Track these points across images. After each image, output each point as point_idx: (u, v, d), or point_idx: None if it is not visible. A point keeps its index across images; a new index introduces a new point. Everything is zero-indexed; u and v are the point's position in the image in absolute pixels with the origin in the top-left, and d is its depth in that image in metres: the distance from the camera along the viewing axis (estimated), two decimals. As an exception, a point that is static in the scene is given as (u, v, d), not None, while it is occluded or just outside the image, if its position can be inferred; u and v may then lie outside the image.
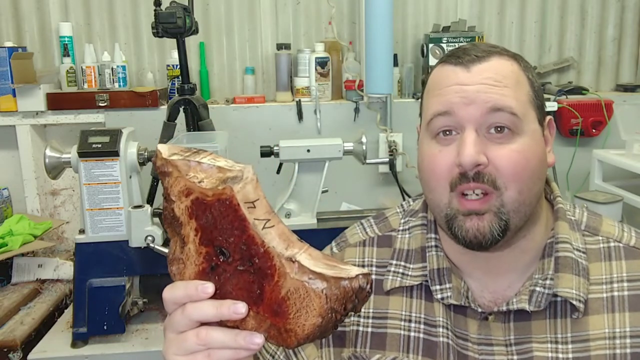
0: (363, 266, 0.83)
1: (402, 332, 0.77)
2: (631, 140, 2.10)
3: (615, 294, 0.73)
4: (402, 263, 0.81)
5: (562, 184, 2.35)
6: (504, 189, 0.69)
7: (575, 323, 0.72)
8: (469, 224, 0.70)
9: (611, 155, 2.12)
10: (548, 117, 0.78)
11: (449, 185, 0.71)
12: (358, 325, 0.80)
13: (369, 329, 0.79)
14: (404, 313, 0.78)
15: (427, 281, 0.77)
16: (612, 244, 0.76)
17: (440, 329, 0.75)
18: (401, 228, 0.85)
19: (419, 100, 0.80)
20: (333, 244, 0.90)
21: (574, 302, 0.71)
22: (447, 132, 0.72)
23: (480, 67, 0.72)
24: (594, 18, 2.52)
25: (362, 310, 0.78)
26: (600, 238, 0.77)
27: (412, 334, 0.77)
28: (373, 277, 0.80)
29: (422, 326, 0.77)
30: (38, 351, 1.46)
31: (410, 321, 0.77)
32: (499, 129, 0.70)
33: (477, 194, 0.70)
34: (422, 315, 0.77)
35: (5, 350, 1.50)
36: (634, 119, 2.14)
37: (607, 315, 0.72)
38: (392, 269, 0.81)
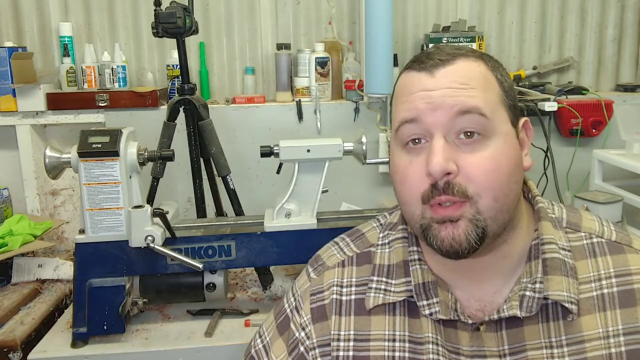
0: (342, 287, 0.80)
1: (386, 353, 0.75)
2: (631, 140, 2.10)
3: (605, 291, 0.72)
4: (384, 279, 0.78)
5: (562, 184, 2.35)
6: (478, 198, 0.67)
7: (568, 325, 0.71)
8: (444, 232, 0.68)
9: (611, 155, 2.12)
10: (523, 119, 0.76)
11: (420, 197, 0.70)
12: (338, 350, 0.77)
13: (350, 353, 0.76)
14: (387, 333, 0.75)
15: (411, 297, 0.75)
16: (595, 240, 0.75)
17: (430, 346, 0.73)
18: (380, 242, 0.82)
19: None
20: (310, 268, 0.86)
21: (567, 305, 0.70)
22: (417, 141, 0.71)
23: (445, 70, 0.71)
24: (594, 18, 2.52)
25: (342, 332, 0.77)
26: (583, 234, 0.76)
27: (397, 354, 0.74)
28: (353, 297, 0.78)
29: (407, 345, 0.74)
30: (38, 351, 1.46)
31: (394, 340, 0.75)
32: (468, 134, 0.68)
33: (448, 204, 0.68)
34: (407, 334, 0.75)
35: (5, 350, 1.50)
36: (634, 119, 2.14)
37: (599, 315, 0.71)
38: (374, 285, 0.78)
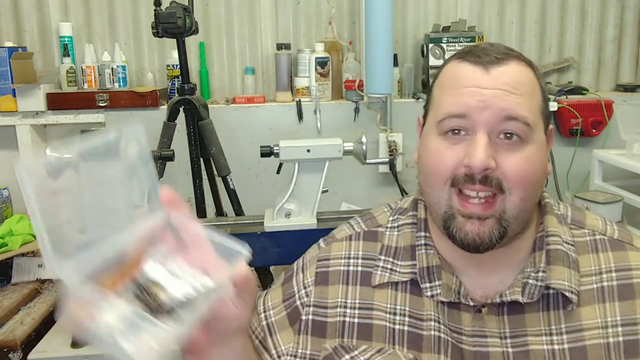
0: (349, 258, 0.84)
1: (387, 324, 0.78)
2: (631, 140, 2.10)
3: (605, 284, 0.74)
4: (390, 259, 0.81)
5: (562, 184, 2.35)
6: (509, 194, 0.70)
7: (568, 314, 0.73)
8: (470, 227, 0.70)
9: (611, 155, 2.12)
10: (550, 127, 0.78)
11: (450, 181, 0.71)
12: (344, 316, 0.80)
13: (355, 320, 0.79)
14: (389, 306, 0.78)
15: (415, 278, 0.78)
16: (597, 237, 0.78)
17: (432, 323, 0.75)
18: (389, 225, 0.85)
19: (425, 95, 0.80)
20: (321, 240, 0.91)
21: (567, 294, 0.72)
22: (456, 131, 0.72)
23: (500, 70, 0.71)
24: (594, 18, 2.52)
25: (349, 300, 0.80)
26: (587, 231, 0.78)
27: (397, 326, 0.77)
28: (360, 269, 0.82)
29: (406, 319, 0.77)
30: (38, 351, 1.46)
31: (395, 314, 0.78)
32: (508, 135, 0.70)
33: (479, 198, 0.70)
34: (407, 309, 0.77)
35: (5, 350, 1.50)
36: (634, 119, 2.14)
37: (598, 306, 0.73)
38: (381, 264, 0.81)
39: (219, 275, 0.56)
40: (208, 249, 0.58)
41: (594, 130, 2.35)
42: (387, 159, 1.94)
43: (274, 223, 1.51)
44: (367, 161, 1.58)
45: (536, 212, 0.79)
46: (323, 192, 1.56)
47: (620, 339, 0.71)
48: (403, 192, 2.17)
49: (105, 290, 0.51)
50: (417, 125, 0.83)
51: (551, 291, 0.73)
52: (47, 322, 1.65)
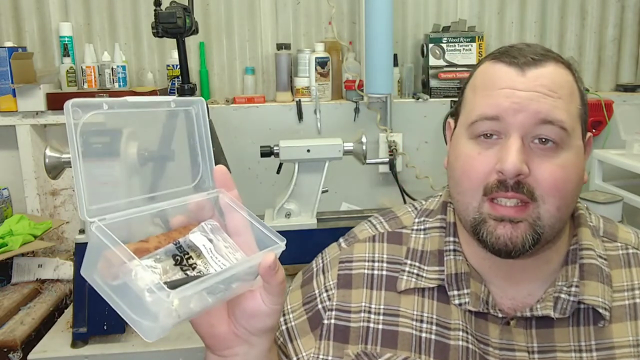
0: (373, 261, 0.80)
1: (413, 331, 0.74)
2: (631, 140, 2.10)
3: (638, 300, 0.72)
4: (417, 264, 0.78)
5: (562, 184, 2.35)
6: (542, 202, 0.67)
7: (598, 331, 0.70)
8: (501, 230, 0.67)
9: (611, 155, 2.12)
10: (588, 135, 0.75)
11: (482, 189, 0.68)
12: (368, 321, 0.77)
13: (380, 326, 0.76)
14: (415, 313, 0.75)
15: (443, 285, 0.75)
16: (630, 251, 0.76)
17: (460, 333, 0.73)
18: (415, 227, 0.81)
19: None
20: (341, 240, 0.87)
21: (600, 310, 0.70)
22: (489, 135, 0.69)
23: (536, 72, 0.68)
24: (594, 18, 2.52)
25: (374, 306, 0.77)
26: (619, 244, 0.76)
27: (424, 334, 0.74)
28: (384, 273, 0.78)
29: (434, 327, 0.74)
30: (38, 351, 1.46)
31: (422, 321, 0.75)
32: (543, 140, 0.67)
33: (512, 203, 0.67)
34: (435, 316, 0.74)
35: (5, 350, 1.50)
36: (634, 119, 2.14)
37: (630, 323, 0.71)
38: (407, 269, 0.78)
39: (245, 261, 0.56)
40: (249, 238, 0.58)
41: (594, 130, 2.36)
42: (387, 159, 1.95)
43: (274, 223, 1.51)
44: (367, 161, 1.58)
45: (569, 223, 0.76)
46: (323, 192, 1.56)
47: None
48: (403, 192, 2.17)
49: (145, 249, 0.52)
50: (446, 129, 0.80)
51: (582, 306, 0.71)
52: (47, 322, 1.65)
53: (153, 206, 0.55)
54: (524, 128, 0.67)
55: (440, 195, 0.84)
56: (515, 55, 0.69)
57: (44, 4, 2.27)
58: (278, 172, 1.60)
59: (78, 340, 1.47)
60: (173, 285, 0.48)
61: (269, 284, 0.56)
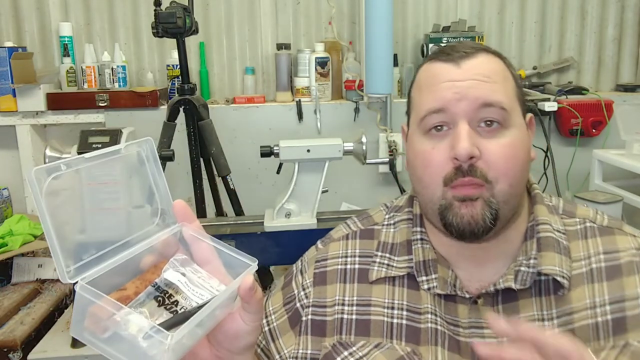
0: (346, 257, 0.85)
1: (385, 318, 0.79)
2: (631, 140, 2.10)
3: (594, 266, 0.76)
4: (387, 255, 0.83)
5: (562, 184, 2.35)
6: (495, 183, 0.72)
7: (559, 299, 0.74)
8: (465, 210, 0.72)
9: (611, 155, 2.12)
10: (529, 115, 0.81)
11: (442, 180, 0.73)
12: (342, 313, 0.81)
13: (353, 316, 0.80)
14: (386, 301, 0.79)
15: (412, 273, 0.79)
16: (588, 224, 0.80)
17: (429, 315, 0.77)
18: (386, 223, 0.87)
19: (407, 101, 0.83)
20: (319, 242, 0.92)
21: (558, 279, 0.73)
22: (439, 128, 0.74)
23: (470, 63, 0.75)
24: (594, 18, 2.52)
25: (347, 298, 0.82)
26: (577, 220, 0.81)
27: (395, 320, 0.78)
28: (357, 266, 0.84)
29: (404, 313, 0.78)
30: (38, 351, 1.46)
31: (393, 308, 0.79)
32: (488, 122, 0.73)
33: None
34: (405, 303, 0.79)
35: (5, 350, 1.50)
36: (634, 119, 2.14)
37: (587, 287, 0.74)
38: (378, 260, 0.83)
39: (227, 289, 0.58)
40: (217, 264, 0.61)
41: (594, 130, 2.35)
42: (387, 159, 1.95)
43: (274, 223, 1.51)
44: (367, 161, 1.58)
45: (526, 203, 0.81)
46: (323, 192, 1.56)
47: (609, 317, 0.72)
48: (403, 192, 2.17)
49: (126, 296, 0.54)
50: (401, 134, 0.86)
51: (543, 277, 0.75)
52: (47, 322, 1.65)
53: (124, 254, 0.57)
54: (468, 114, 0.72)
55: (407, 192, 0.90)
56: (449, 52, 0.76)
57: (44, 4, 2.27)
58: (278, 172, 1.60)
59: (78, 340, 1.47)
60: (168, 326, 0.50)
61: (248, 304, 0.59)
